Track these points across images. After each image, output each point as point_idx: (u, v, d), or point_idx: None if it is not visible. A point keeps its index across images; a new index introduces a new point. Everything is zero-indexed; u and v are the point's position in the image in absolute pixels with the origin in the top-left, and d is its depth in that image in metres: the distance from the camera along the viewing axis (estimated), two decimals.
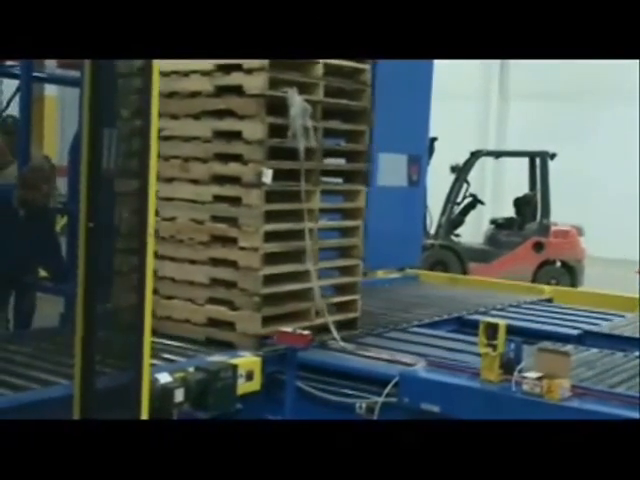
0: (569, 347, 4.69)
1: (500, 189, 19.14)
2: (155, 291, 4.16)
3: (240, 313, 4.42)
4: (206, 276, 4.54)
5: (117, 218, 3.29)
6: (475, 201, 12.61)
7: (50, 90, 11.04)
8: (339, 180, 5.10)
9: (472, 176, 12.57)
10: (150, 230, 3.13)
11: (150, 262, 3.15)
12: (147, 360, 3.15)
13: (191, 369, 3.72)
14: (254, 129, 4.35)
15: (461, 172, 12.24)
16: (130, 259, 3.21)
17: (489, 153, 14.95)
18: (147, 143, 3.12)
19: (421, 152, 7.31)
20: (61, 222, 7.41)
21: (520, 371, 3.74)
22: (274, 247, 4.49)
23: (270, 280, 4.45)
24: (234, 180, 4.45)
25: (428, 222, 11.32)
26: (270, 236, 4.44)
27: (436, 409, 3.81)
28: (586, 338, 5.32)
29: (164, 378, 3.48)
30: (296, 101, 4.38)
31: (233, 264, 4.45)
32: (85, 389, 3.13)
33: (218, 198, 4.52)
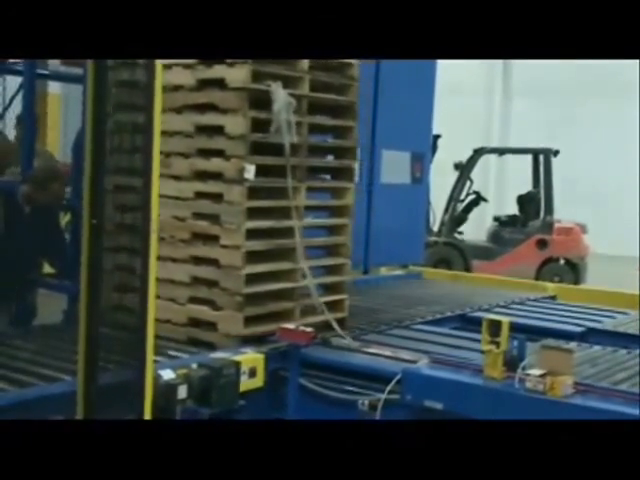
0: (572, 344, 4.69)
1: (503, 186, 19.13)
2: None
3: (222, 313, 4.33)
4: (187, 275, 4.45)
5: (120, 215, 3.29)
6: (478, 198, 12.61)
7: (53, 87, 11.03)
8: (327, 177, 5.01)
9: (475, 173, 12.56)
10: (153, 227, 3.13)
11: (153, 258, 3.15)
12: (150, 357, 3.15)
13: (194, 366, 3.72)
14: (236, 124, 4.25)
15: (464, 169, 12.24)
16: (133, 256, 3.21)
17: (492, 150, 14.93)
18: (150, 139, 3.12)
19: (424, 149, 7.32)
20: (65, 219, 7.40)
21: (523, 368, 3.74)
22: (256, 245, 4.38)
23: (252, 279, 4.35)
24: (216, 176, 4.35)
25: (431, 219, 11.35)
26: (253, 234, 4.33)
27: (439, 406, 3.81)
28: (589, 335, 5.33)
29: (167, 375, 3.48)
30: (280, 95, 4.26)
31: (215, 262, 4.34)
32: (89, 385, 3.13)
33: (200, 195, 4.41)
